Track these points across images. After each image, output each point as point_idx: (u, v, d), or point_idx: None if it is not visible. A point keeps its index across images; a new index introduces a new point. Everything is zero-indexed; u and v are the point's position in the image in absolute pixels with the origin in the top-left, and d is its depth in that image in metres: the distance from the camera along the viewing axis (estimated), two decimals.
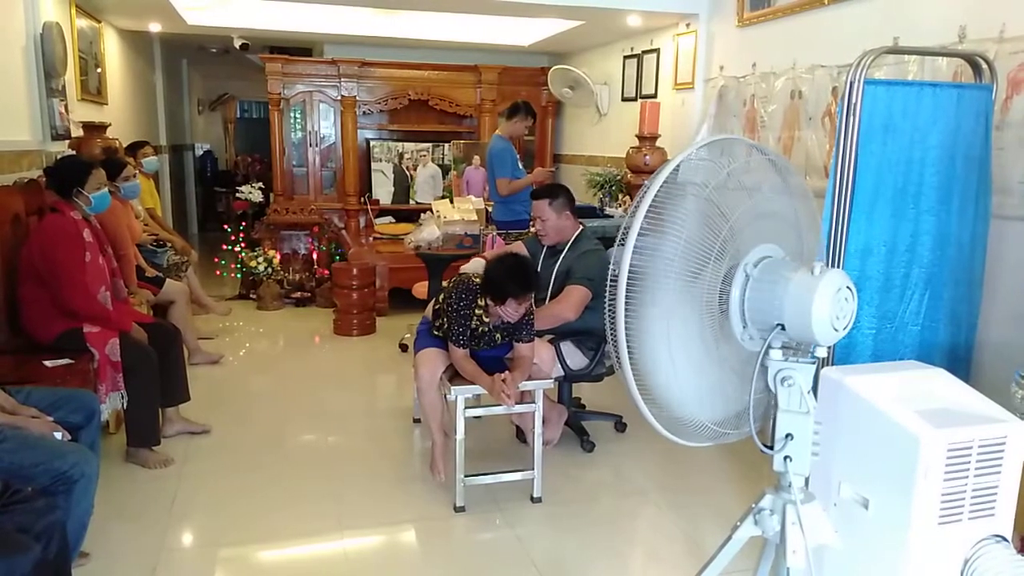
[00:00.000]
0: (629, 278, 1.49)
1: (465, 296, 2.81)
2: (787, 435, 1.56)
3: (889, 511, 1.81)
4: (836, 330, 1.47)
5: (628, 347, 1.51)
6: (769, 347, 1.56)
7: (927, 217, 2.56)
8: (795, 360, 1.55)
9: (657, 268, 1.52)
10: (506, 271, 2.69)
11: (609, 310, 1.51)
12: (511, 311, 2.70)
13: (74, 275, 2.94)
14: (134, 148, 5.25)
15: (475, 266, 3.22)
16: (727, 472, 3.17)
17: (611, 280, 1.50)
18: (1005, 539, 1.81)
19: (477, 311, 2.81)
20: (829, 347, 1.65)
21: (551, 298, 3.19)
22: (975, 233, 2.66)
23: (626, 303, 1.50)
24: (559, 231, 3.24)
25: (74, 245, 2.96)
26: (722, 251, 1.55)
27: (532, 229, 3.39)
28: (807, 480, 1.61)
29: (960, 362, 2.68)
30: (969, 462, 1.75)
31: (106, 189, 3.17)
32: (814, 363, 1.55)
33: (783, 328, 1.51)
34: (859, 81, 2.38)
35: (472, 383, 2.79)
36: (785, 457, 1.57)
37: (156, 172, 5.88)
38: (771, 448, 1.59)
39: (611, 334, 1.51)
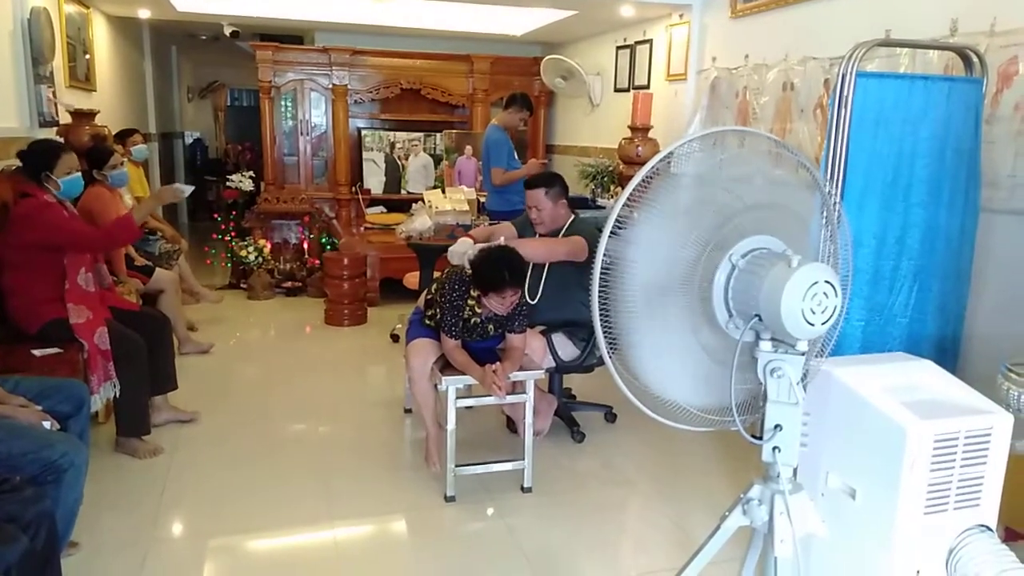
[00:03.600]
0: (616, 265, 1.50)
1: (458, 287, 2.81)
2: (776, 426, 1.57)
3: (876, 501, 1.82)
4: (811, 324, 1.47)
5: (610, 325, 1.53)
6: (759, 338, 1.57)
7: (917, 210, 2.58)
8: (784, 352, 1.56)
9: (641, 255, 1.53)
10: (491, 264, 2.69)
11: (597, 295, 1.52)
12: (496, 303, 2.71)
13: (70, 229, 2.97)
14: (123, 136, 5.21)
15: (462, 247, 3.20)
16: (716, 462, 3.19)
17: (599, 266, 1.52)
18: (990, 529, 1.83)
19: (470, 302, 2.81)
20: (813, 341, 1.65)
21: (544, 287, 3.19)
22: (964, 226, 2.67)
23: (611, 287, 1.52)
24: (554, 219, 3.25)
25: (51, 212, 2.94)
26: (705, 240, 1.55)
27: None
28: (795, 470, 1.63)
29: (948, 354, 2.70)
30: (955, 453, 1.77)
31: (77, 174, 3.12)
32: (804, 355, 1.56)
33: (760, 319, 1.51)
34: (851, 73, 2.38)
35: (463, 373, 2.79)
36: (774, 448, 1.58)
37: (145, 160, 5.84)
38: (760, 438, 1.60)
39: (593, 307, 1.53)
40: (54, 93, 4.29)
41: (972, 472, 1.80)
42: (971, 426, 1.78)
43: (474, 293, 2.80)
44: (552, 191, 3.22)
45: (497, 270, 2.67)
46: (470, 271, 2.76)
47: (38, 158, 3.02)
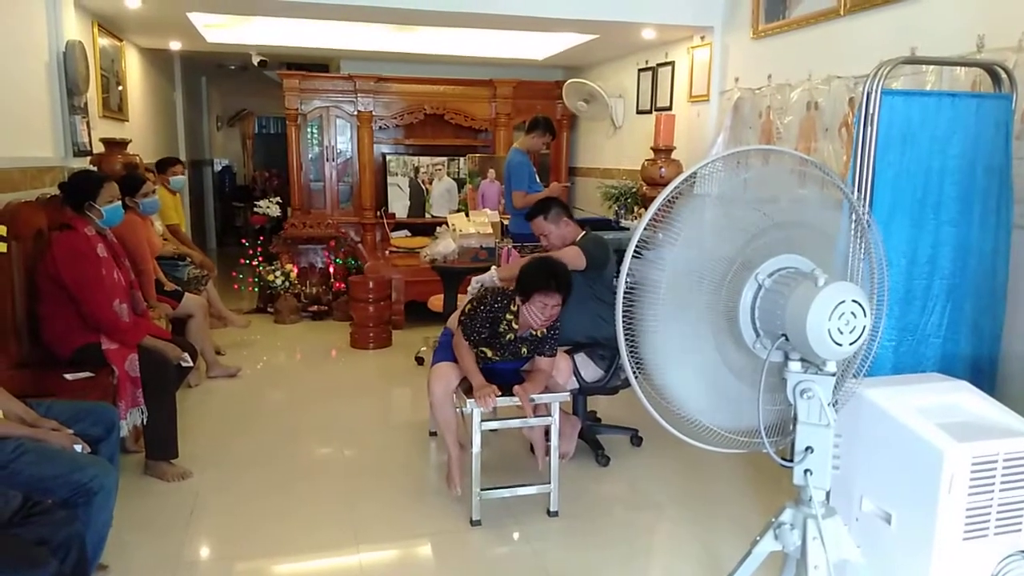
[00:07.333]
0: (640, 286, 1.50)
1: (500, 299, 2.87)
2: (807, 448, 1.54)
3: (912, 526, 1.78)
4: (839, 344, 1.44)
5: (635, 345, 1.51)
6: (788, 358, 1.55)
7: (947, 228, 2.54)
8: (814, 372, 1.53)
9: (666, 276, 1.52)
10: (537, 267, 2.79)
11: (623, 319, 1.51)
12: (538, 310, 2.73)
13: (93, 291, 2.98)
14: (164, 166, 5.32)
15: (488, 276, 3.23)
16: (746, 485, 3.13)
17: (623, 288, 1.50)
18: None
19: (508, 316, 2.84)
20: (844, 362, 1.62)
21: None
22: (997, 243, 2.62)
23: (635, 308, 1.51)
24: (563, 239, 3.31)
25: (87, 263, 2.98)
26: (731, 259, 1.54)
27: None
28: (828, 494, 1.59)
29: (983, 374, 2.64)
30: (994, 476, 1.72)
31: (118, 203, 3.20)
32: (834, 375, 1.54)
33: (787, 339, 1.49)
34: (876, 92, 2.36)
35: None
36: (805, 470, 1.55)
37: (181, 189, 5.95)
38: (791, 461, 1.57)
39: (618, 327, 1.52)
40: (88, 124, 4.41)
41: (1013, 496, 1.75)
42: (1010, 448, 1.73)
43: (513, 308, 2.82)
44: (550, 214, 3.30)
45: (543, 273, 2.75)
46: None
47: (81, 187, 3.10)
